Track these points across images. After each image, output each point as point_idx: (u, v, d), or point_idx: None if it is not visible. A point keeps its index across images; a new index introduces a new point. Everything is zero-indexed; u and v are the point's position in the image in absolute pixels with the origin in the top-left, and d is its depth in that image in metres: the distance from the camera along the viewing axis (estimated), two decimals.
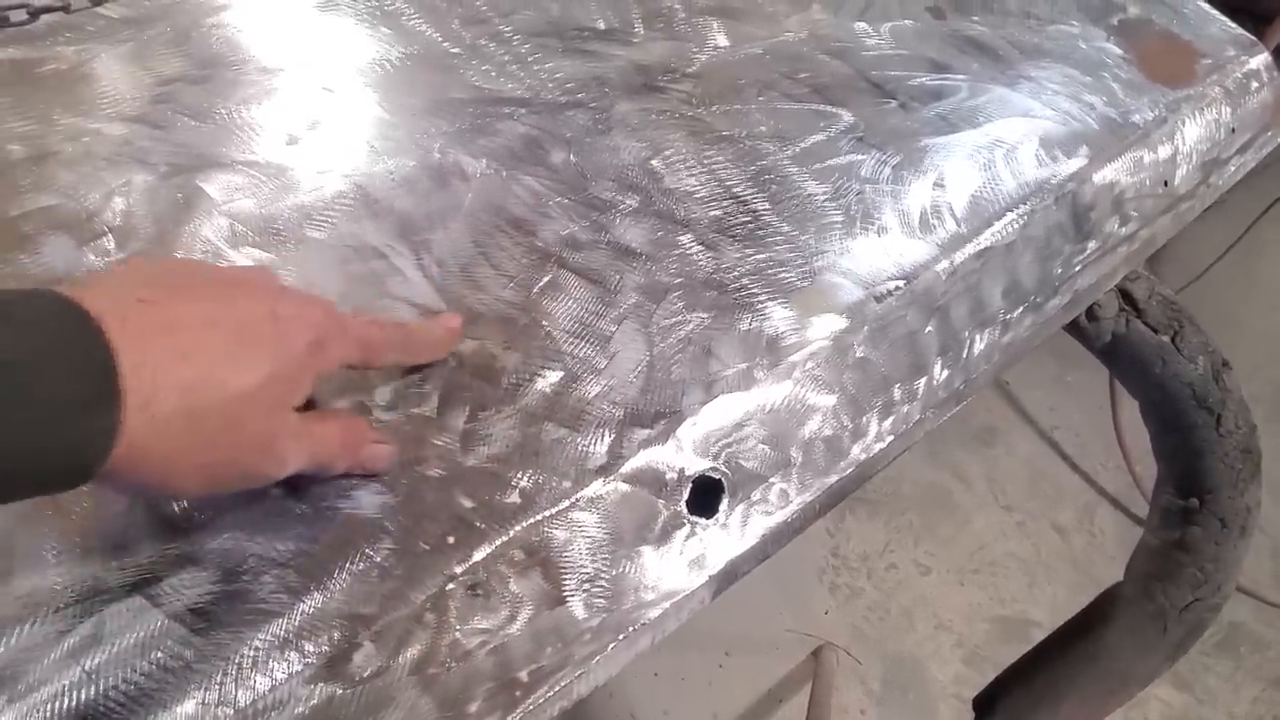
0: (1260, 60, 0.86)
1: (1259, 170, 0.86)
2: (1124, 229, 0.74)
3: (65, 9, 1.17)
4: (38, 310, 0.33)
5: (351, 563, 0.45)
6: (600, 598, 0.49)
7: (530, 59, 0.67)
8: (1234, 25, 0.88)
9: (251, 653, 0.42)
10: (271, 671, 0.42)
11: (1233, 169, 0.84)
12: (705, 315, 0.57)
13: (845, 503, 1.91)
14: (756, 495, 0.55)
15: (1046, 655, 0.87)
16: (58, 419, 0.32)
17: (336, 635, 0.43)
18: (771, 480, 0.55)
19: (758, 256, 0.60)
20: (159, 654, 0.41)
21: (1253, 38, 0.88)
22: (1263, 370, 2.26)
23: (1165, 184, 0.77)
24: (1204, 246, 2.27)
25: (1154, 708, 1.76)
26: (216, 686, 0.41)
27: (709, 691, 1.64)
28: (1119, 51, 0.82)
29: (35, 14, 1.17)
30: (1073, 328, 0.74)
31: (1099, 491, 2.05)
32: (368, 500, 0.47)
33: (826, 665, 1.64)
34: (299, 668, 0.42)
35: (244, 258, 0.54)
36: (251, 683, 0.41)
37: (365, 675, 0.43)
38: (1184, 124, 0.79)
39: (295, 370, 0.41)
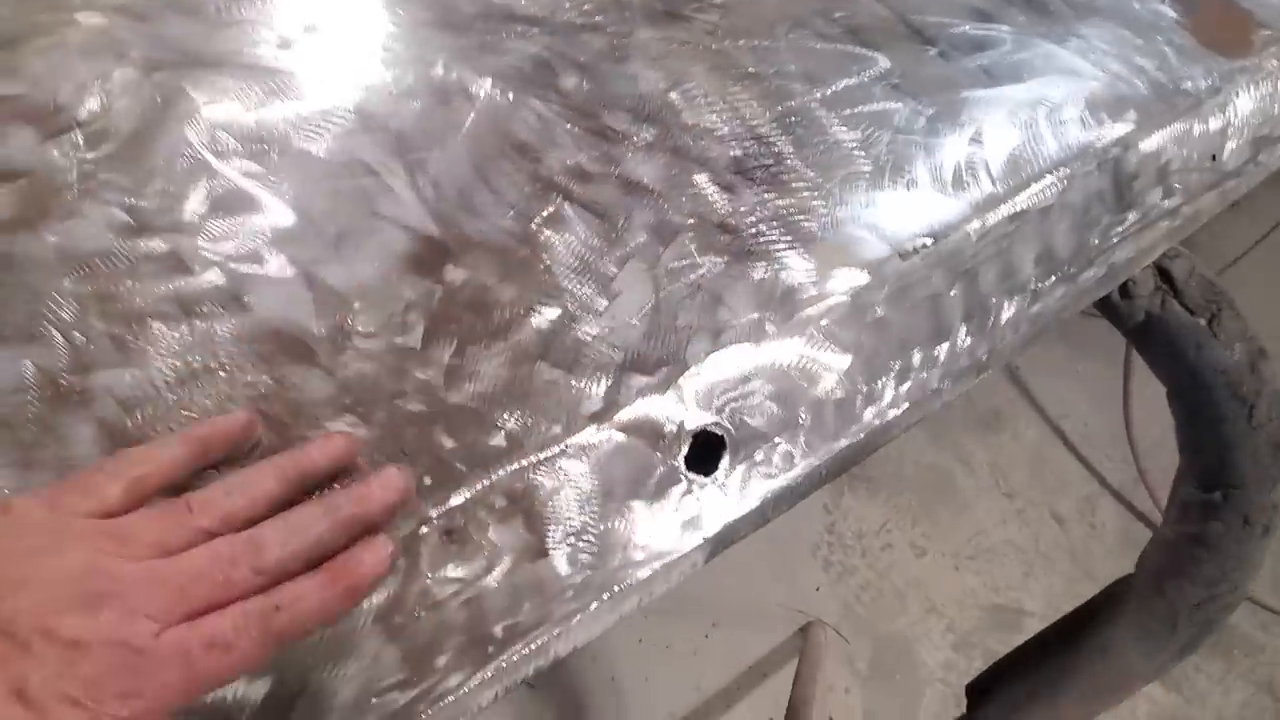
0: None
1: None
2: (1167, 202, 0.70)
3: None
4: None
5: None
6: (586, 553, 0.46)
7: None
8: None
9: None
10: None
11: None
12: (717, 260, 0.53)
13: (844, 479, 1.88)
14: (759, 455, 0.51)
15: (1047, 646, 0.84)
16: None
17: None
18: (776, 440, 0.52)
19: (777, 201, 0.56)
20: None
21: None
22: None
23: (1213, 158, 0.73)
24: (1227, 242, 2.22)
25: (1142, 707, 1.73)
26: None
27: (693, 661, 1.62)
28: (1174, 15, 0.77)
29: None
30: (1104, 303, 0.70)
31: (1102, 483, 2.01)
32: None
33: (815, 642, 1.61)
34: None
35: (230, 169, 0.50)
36: None
37: None
38: (1238, 96, 0.74)
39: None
